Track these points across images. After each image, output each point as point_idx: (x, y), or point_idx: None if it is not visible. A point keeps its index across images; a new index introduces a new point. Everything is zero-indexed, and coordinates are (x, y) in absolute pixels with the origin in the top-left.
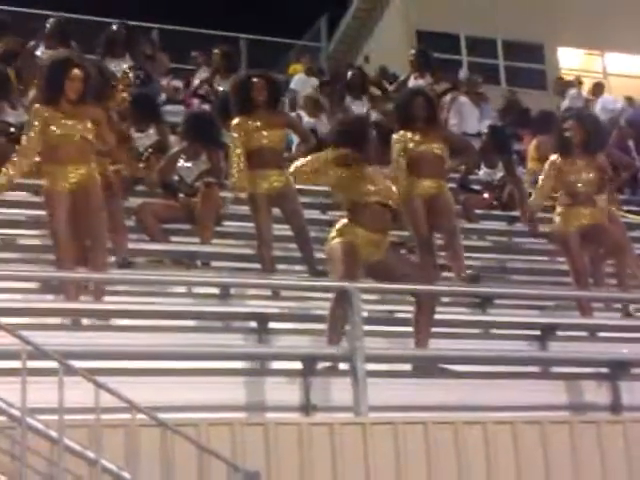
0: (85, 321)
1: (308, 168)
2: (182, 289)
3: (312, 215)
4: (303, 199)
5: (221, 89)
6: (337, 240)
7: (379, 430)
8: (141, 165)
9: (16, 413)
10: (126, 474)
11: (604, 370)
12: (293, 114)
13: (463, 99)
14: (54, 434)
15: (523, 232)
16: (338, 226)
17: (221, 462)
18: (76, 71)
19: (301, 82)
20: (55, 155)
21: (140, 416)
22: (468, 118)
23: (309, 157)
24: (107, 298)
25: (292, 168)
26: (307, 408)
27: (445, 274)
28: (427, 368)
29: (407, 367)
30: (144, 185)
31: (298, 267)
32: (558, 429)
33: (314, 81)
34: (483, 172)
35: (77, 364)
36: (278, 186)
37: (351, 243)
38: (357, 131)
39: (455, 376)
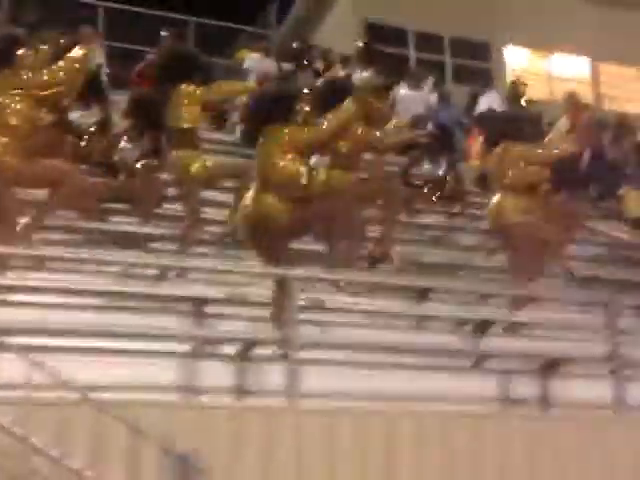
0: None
1: None
2: (119, 269)
3: None
4: None
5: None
6: None
7: (311, 416)
8: (83, 144)
9: None
10: (54, 452)
11: (535, 366)
12: None
13: (405, 93)
14: None
15: (462, 228)
16: None
17: (153, 444)
18: None
19: (256, 62)
20: None
21: (73, 395)
22: (413, 113)
23: None
24: (46, 275)
25: None
26: (241, 392)
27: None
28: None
29: (341, 355)
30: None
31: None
32: (488, 422)
33: (270, 62)
34: (426, 167)
35: (11, 340)
36: None
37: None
38: None
39: (390, 366)
